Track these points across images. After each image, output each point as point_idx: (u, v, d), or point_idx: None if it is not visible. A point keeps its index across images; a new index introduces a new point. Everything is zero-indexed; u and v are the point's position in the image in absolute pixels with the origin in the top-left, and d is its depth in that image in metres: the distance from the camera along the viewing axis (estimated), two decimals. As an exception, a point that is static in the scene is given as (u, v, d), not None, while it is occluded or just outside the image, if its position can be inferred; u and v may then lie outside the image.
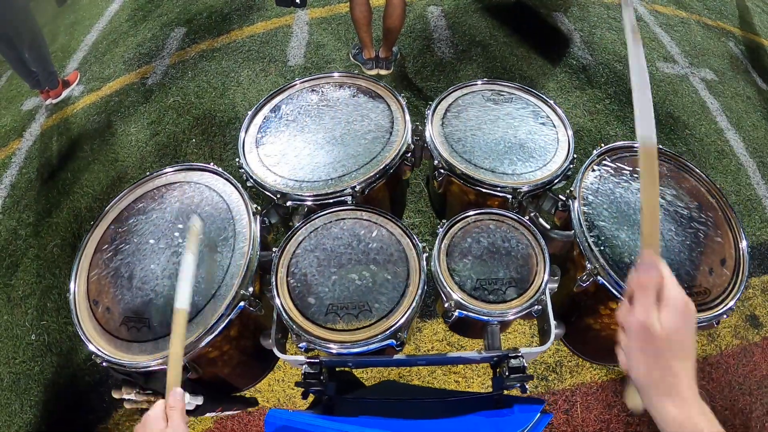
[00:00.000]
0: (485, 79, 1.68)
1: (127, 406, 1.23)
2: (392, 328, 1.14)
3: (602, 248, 1.25)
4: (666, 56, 3.69)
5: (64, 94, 3.68)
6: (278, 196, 1.38)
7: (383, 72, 3.49)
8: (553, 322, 1.28)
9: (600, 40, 3.76)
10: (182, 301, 0.95)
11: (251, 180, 1.43)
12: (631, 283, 0.65)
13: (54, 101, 3.65)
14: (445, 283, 1.24)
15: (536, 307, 1.22)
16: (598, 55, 3.64)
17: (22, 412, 2.25)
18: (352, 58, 3.60)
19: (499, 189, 1.38)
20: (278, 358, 1.30)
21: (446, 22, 3.90)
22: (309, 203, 1.39)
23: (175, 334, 0.93)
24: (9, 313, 2.57)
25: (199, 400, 1.28)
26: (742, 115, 3.32)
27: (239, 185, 1.39)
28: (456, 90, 1.66)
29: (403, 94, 1.61)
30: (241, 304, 1.19)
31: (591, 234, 1.27)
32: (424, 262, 1.24)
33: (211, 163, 1.45)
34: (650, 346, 0.62)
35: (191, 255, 1.03)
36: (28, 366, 2.39)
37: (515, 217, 1.34)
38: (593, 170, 1.42)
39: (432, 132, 1.52)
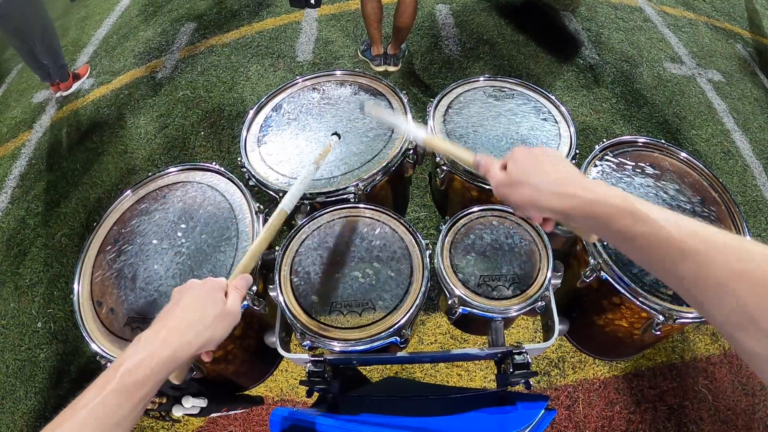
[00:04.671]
0: (487, 75, 1.68)
1: None
2: (396, 326, 1.14)
3: (605, 244, 1.25)
4: (673, 57, 3.67)
5: (75, 86, 3.70)
6: (281, 194, 1.39)
7: (391, 68, 3.48)
8: (557, 318, 1.28)
9: (607, 39, 3.74)
10: (286, 203, 1.03)
11: (253, 179, 1.44)
12: (481, 171, 0.86)
13: (64, 94, 3.67)
14: (448, 280, 1.24)
15: (540, 303, 1.23)
16: (605, 54, 3.62)
17: (26, 399, 2.27)
18: (360, 54, 3.60)
19: (501, 185, 1.38)
20: (282, 357, 1.30)
21: (454, 20, 3.89)
22: (311, 201, 1.40)
23: (267, 229, 0.97)
24: (16, 300, 2.59)
25: (203, 403, 1.29)
26: (749, 117, 3.30)
27: (241, 184, 1.39)
28: (457, 86, 1.66)
29: (405, 91, 1.61)
30: (245, 303, 1.19)
31: (594, 230, 1.27)
32: (428, 260, 1.24)
33: (214, 163, 1.46)
34: (514, 187, 0.77)
35: (315, 167, 1.17)
36: (33, 353, 2.41)
37: (518, 214, 1.34)
38: (596, 165, 1.43)
39: (434, 129, 1.53)
